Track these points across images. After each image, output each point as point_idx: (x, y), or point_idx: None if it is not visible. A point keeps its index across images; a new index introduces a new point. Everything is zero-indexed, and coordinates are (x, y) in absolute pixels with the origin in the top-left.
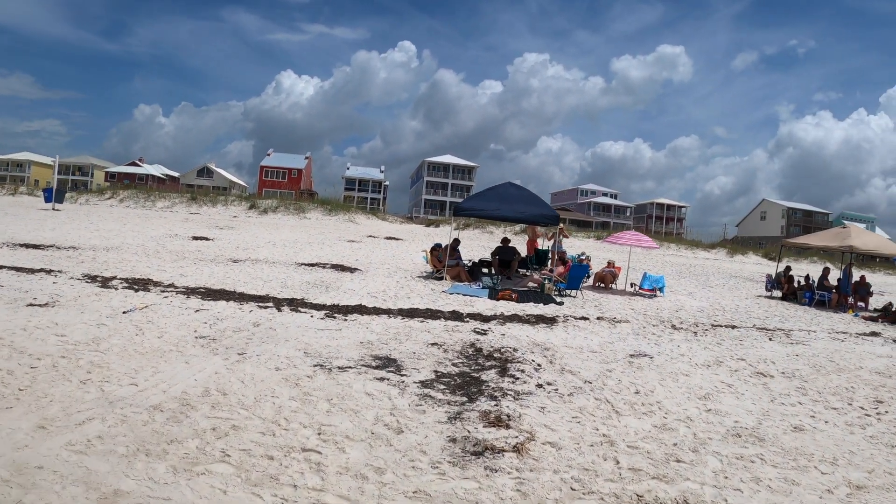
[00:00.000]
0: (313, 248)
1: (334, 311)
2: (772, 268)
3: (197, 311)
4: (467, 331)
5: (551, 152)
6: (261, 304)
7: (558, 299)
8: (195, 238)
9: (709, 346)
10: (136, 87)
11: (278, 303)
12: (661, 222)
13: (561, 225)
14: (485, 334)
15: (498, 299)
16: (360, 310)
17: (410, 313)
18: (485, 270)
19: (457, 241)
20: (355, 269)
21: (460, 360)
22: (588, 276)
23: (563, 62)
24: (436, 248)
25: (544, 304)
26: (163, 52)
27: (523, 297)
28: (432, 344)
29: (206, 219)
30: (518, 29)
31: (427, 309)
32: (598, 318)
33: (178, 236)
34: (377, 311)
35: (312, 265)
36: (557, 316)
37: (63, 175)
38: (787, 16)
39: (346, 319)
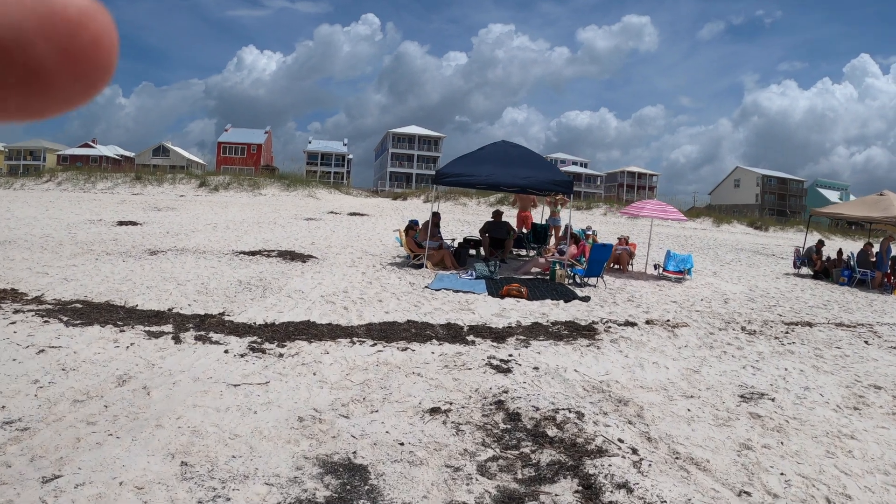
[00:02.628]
0: (262, 229)
1: (265, 336)
2: (762, 238)
3: (41, 351)
4: (479, 365)
5: (517, 123)
6: (152, 330)
7: (580, 292)
8: (121, 223)
9: (816, 364)
10: None
11: (181, 324)
12: (632, 191)
13: (561, 194)
14: (509, 372)
15: (503, 296)
16: (308, 331)
17: (385, 332)
18: (472, 252)
19: (437, 217)
20: (309, 257)
21: (490, 456)
22: None
23: (529, 33)
24: (412, 227)
25: (566, 302)
26: (121, 30)
27: (535, 292)
28: (430, 411)
29: (147, 199)
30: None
31: (409, 322)
32: (646, 322)
33: (103, 221)
34: (334, 333)
35: (254, 253)
36: (594, 322)
37: (14, 160)
38: None
39: (281, 355)
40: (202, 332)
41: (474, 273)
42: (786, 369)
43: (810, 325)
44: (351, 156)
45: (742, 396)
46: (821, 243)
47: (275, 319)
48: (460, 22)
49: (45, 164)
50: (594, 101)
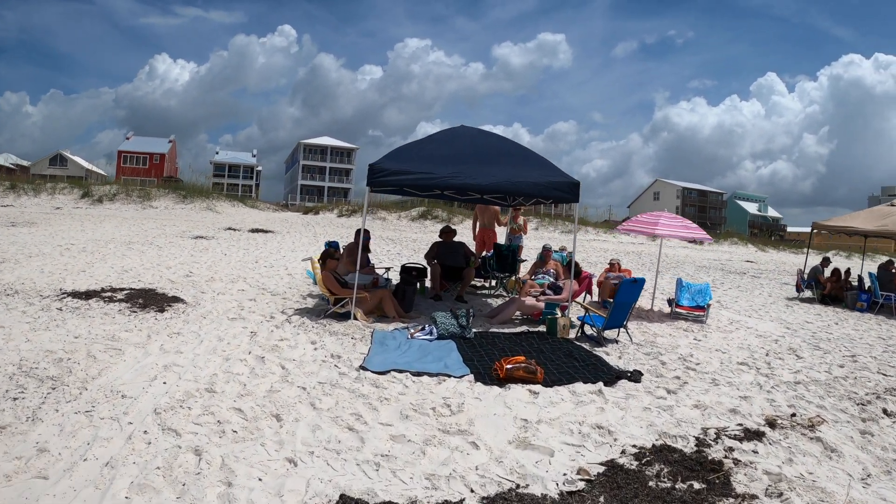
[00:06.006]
0: (129, 252)
1: None
2: (704, 252)
3: None
4: None
5: None
6: None
7: (605, 356)
8: None
9: None
10: (2, 74)
11: None
12: (552, 205)
13: (522, 206)
14: None
15: (502, 382)
16: None
17: None
18: (426, 285)
19: (367, 237)
20: (174, 301)
21: None
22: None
23: (445, 48)
24: (330, 255)
25: (607, 385)
26: (30, 35)
27: (551, 369)
28: None
29: (11, 212)
30: (395, 14)
31: None
32: (769, 425)
33: None
34: None
35: (91, 295)
36: (700, 441)
37: None
38: (663, 6)
39: None
40: None
41: (434, 329)
42: None
43: None
44: (260, 167)
45: None
46: (826, 261)
47: None
48: (376, 35)
49: None
50: (507, 117)
